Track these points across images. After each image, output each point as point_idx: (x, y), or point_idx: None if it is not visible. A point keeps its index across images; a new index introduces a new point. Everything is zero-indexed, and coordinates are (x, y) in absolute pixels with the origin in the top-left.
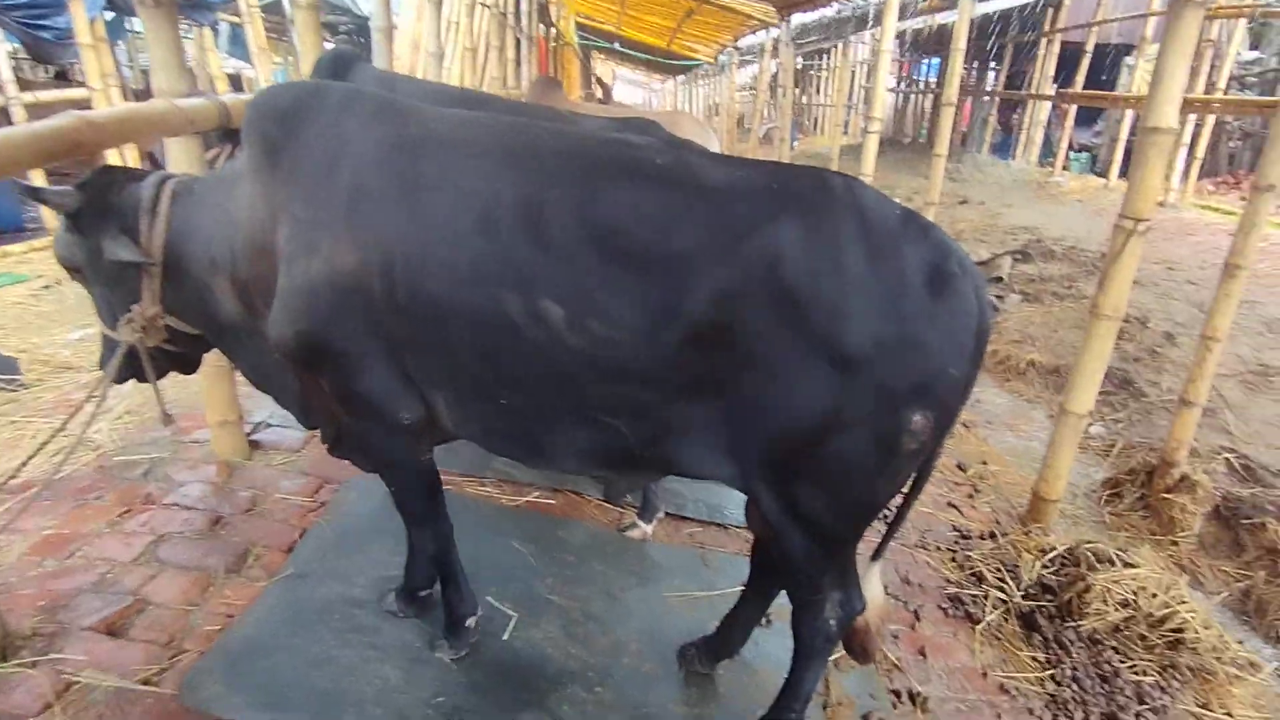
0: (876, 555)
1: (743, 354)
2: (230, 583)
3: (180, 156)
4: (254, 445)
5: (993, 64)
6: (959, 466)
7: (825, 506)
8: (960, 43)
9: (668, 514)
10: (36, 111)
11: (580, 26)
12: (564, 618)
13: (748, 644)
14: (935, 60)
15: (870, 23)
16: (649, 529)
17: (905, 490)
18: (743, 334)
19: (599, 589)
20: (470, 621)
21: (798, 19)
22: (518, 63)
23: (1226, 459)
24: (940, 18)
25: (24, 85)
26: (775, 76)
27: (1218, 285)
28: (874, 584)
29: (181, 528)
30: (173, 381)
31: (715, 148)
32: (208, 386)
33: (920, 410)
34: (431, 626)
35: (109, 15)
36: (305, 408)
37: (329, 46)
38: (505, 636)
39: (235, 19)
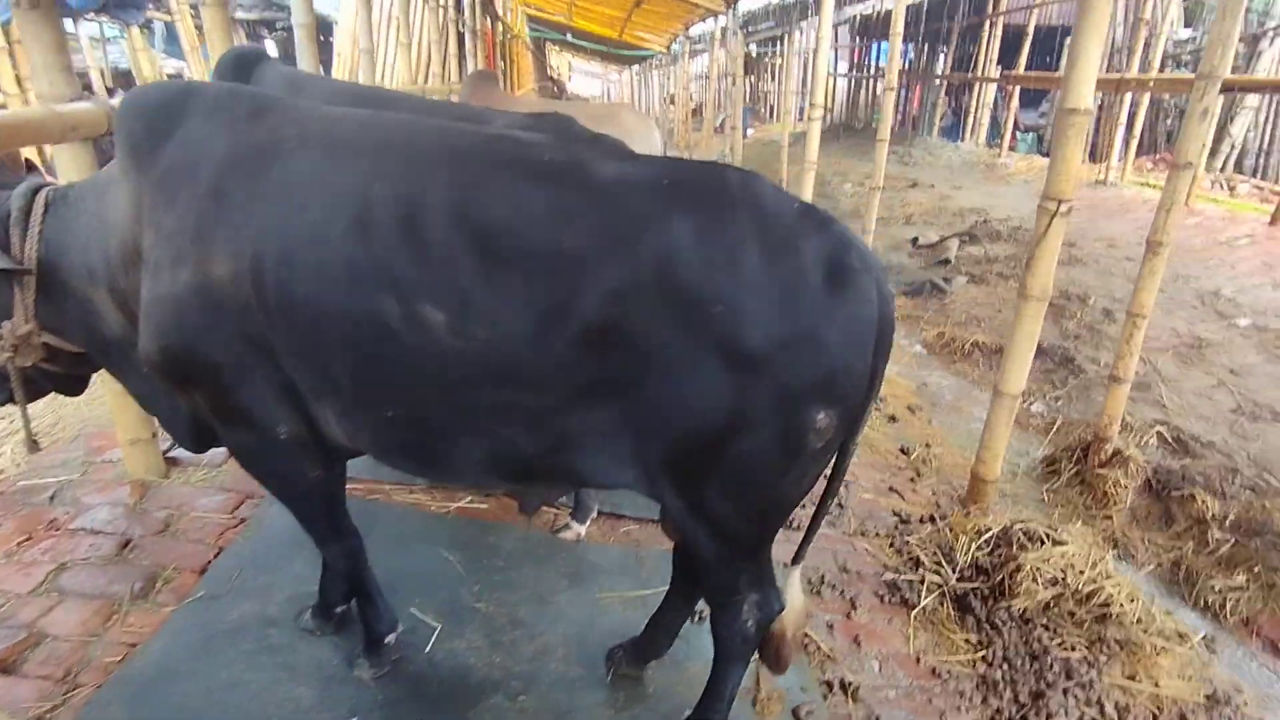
0: (796, 559)
1: (638, 356)
2: (136, 610)
3: (70, 164)
4: (171, 462)
5: (942, 47)
6: (902, 450)
7: (732, 509)
8: (898, 27)
9: (602, 513)
10: None
11: (532, 19)
12: (489, 626)
13: (678, 641)
14: (887, 44)
15: (812, 10)
16: (582, 529)
17: (823, 489)
18: (636, 335)
19: (528, 593)
20: (390, 638)
21: (745, 5)
22: (461, 57)
23: (1159, 432)
24: (888, 2)
25: None
26: (726, 65)
27: (1141, 263)
28: (794, 588)
29: (87, 554)
30: (87, 399)
31: (657, 141)
32: (118, 403)
33: (823, 408)
34: (350, 643)
35: None
36: (196, 432)
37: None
38: (427, 649)
39: (167, 17)
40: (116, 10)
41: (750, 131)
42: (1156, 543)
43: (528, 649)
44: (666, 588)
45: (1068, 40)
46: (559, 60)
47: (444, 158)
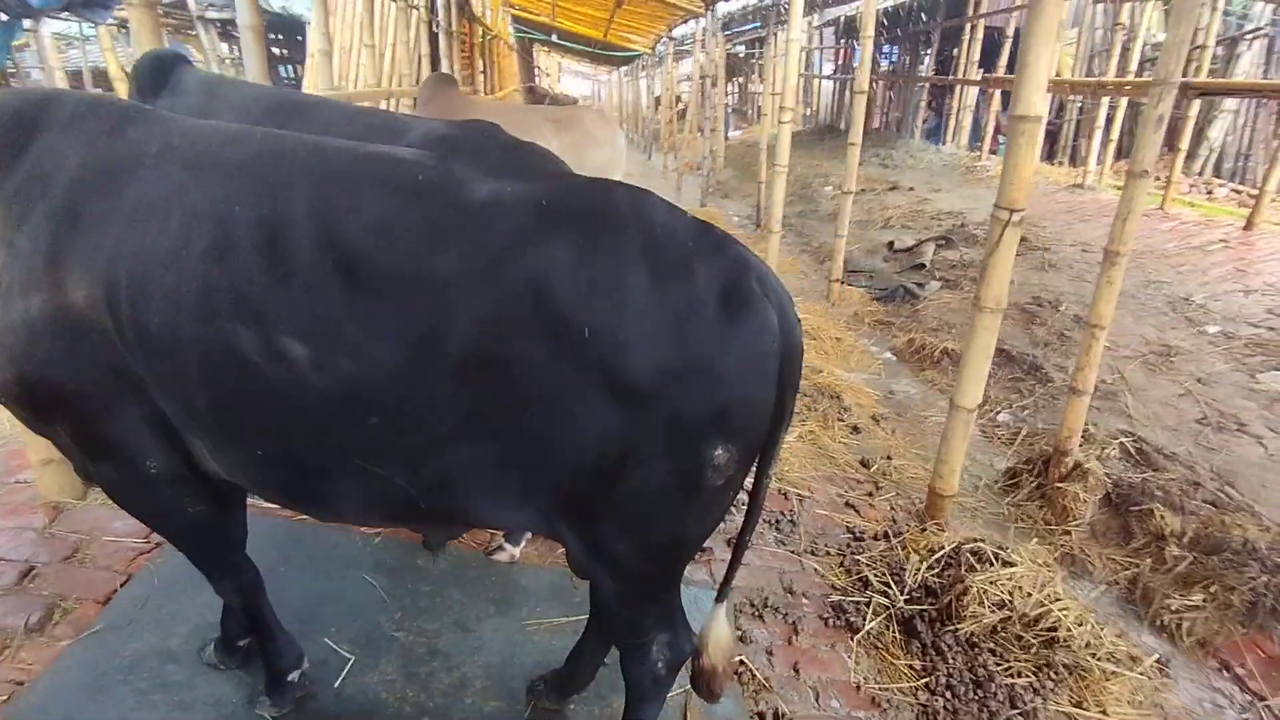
0: (720, 595)
1: (516, 389)
2: (30, 643)
3: None
4: (89, 482)
5: (924, 49)
6: (862, 463)
7: (630, 548)
8: (868, 30)
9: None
10: None
11: (516, 19)
12: (407, 656)
13: (605, 672)
14: (874, 46)
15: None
16: (516, 551)
17: (742, 521)
18: (513, 367)
19: (451, 621)
20: (293, 675)
21: (725, 8)
22: (434, 59)
23: (1122, 444)
24: (875, 3)
25: None
26: (707, 68)
27: (1100, 273)
28: (719, 624)
29: None
30: (5, 415)
31: (621, 143)
32: None
33: (721, 443)
34: (255, 678)
35: None
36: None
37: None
38: (337, 683)
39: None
40: (83, 10)
41: (737, 133)
42: (1114, 560)
43: (444, 681)
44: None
45: None
46: (548, 61)
47: (311, 176)
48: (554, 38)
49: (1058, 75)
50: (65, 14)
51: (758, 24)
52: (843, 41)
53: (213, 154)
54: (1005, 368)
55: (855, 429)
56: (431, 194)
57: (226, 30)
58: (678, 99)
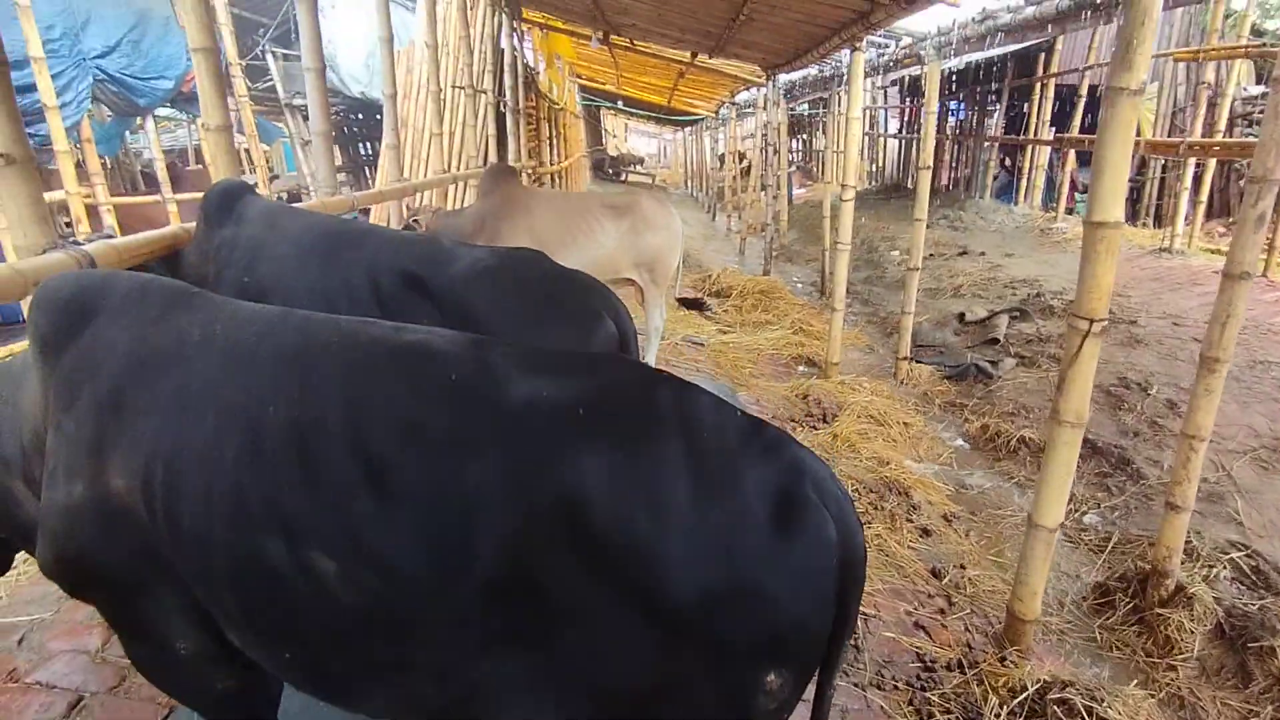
0: None
1: (549, 608)
2: None
3: None
4: None
5: (993, 107)
6: (933, 573)
7: None
8: (932, 105)
9: None
10: None
11: (583, 89)
12: None
13: None
14: (941, 103)
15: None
16: None
17: None
18: (545, 587)
19: None
20: None
21: (787, 77)
22: (500, 138)
23: (1232, 559)
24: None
25: None
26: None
27: (1195, 380)
28: None
29: (35, 716)
30: None
31: (678, 228)
32: None
33: (773, 668)
34: None
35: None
36: None
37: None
38: None
39: (232, 109)
40: (184, 105)
41: (802, 191)
42: (1230, 705)
43: None
44: None
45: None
46: (615, 123)
47: (344, 375)
48: (619, 104)
49: (1138, 134)
50: (170, 107)
51: (813, 89)
52: (909, 100)
53: (250, 345)
54: (1091, 460)
55: (925, 531)
56: (465, 396)
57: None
58: (741, 156)
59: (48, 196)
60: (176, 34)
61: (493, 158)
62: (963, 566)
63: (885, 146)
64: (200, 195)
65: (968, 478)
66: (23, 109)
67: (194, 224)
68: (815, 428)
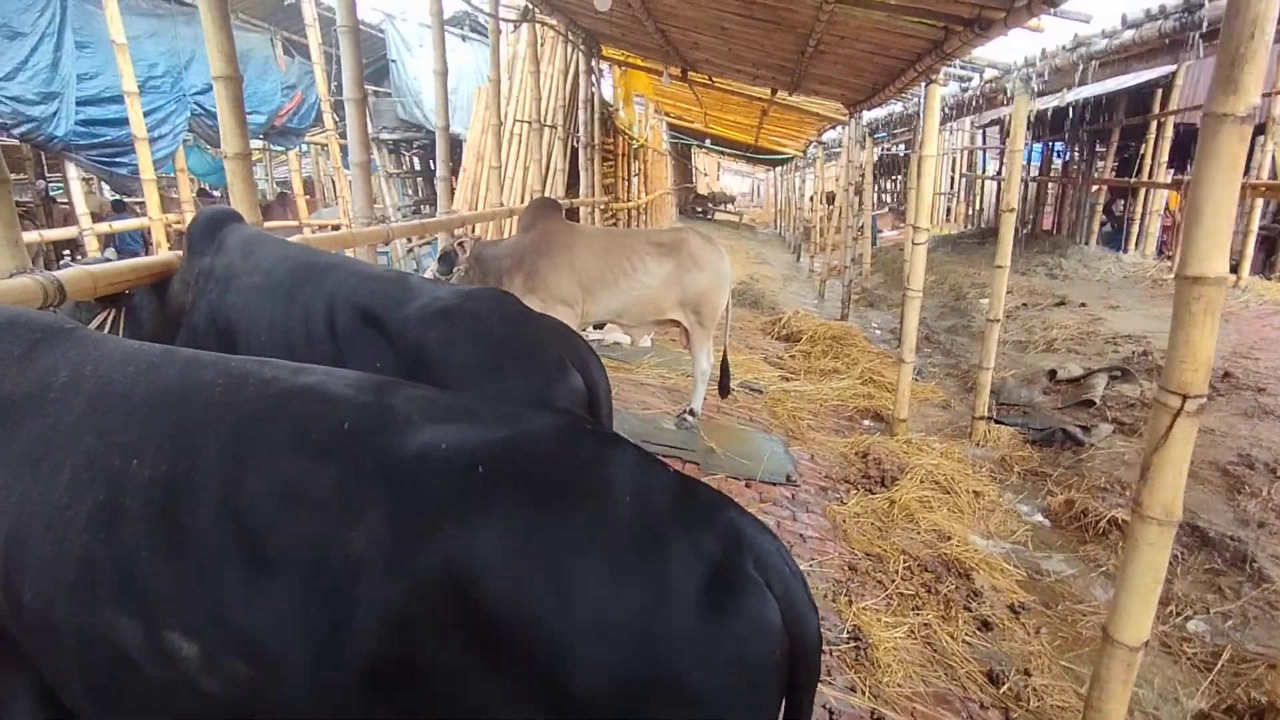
0: None
1: (435, 699)
2: None
3: None
4: None
5: (1101, 147)
6: (990, 677)
7: None
8: (1018, 143)
9: None
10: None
11: (671, 127)
12: None
13: None
14: (1041, 145)
15: (952, 113)
16: None
17: None
18: (431, 674)
19: None
20: None
21: (877, 113)
22: (572, 173)
23: None
24: (1040, 101)
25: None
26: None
27: None
28: None
29: None
30: None
31: (724, 270)
32: None
33: None
34: None
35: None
36: None
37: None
38: None
39: (320, 140)
40: (278, 138)
41: (892, 233)
42: None
43: None
44: None
45: (1255, 139)
46: (706, 161)
47: (223, 423)
48: (707, 143)
49: (1273, 177)
50: (263, 140)
51: (903, 128)
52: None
53: (122, 389)
54: (1199, 552)
55: (986, 624)
56: (353, 448)
57: (397, 148)
58: (830, 196)
59: (138, 221)
60: (274, 73)
61: (560, 193)
62: (1027, 672)
63: (984, 189)
64: (286, 223)
65: (1045, 561)
66: (118, 140)
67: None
68: (871, 491)
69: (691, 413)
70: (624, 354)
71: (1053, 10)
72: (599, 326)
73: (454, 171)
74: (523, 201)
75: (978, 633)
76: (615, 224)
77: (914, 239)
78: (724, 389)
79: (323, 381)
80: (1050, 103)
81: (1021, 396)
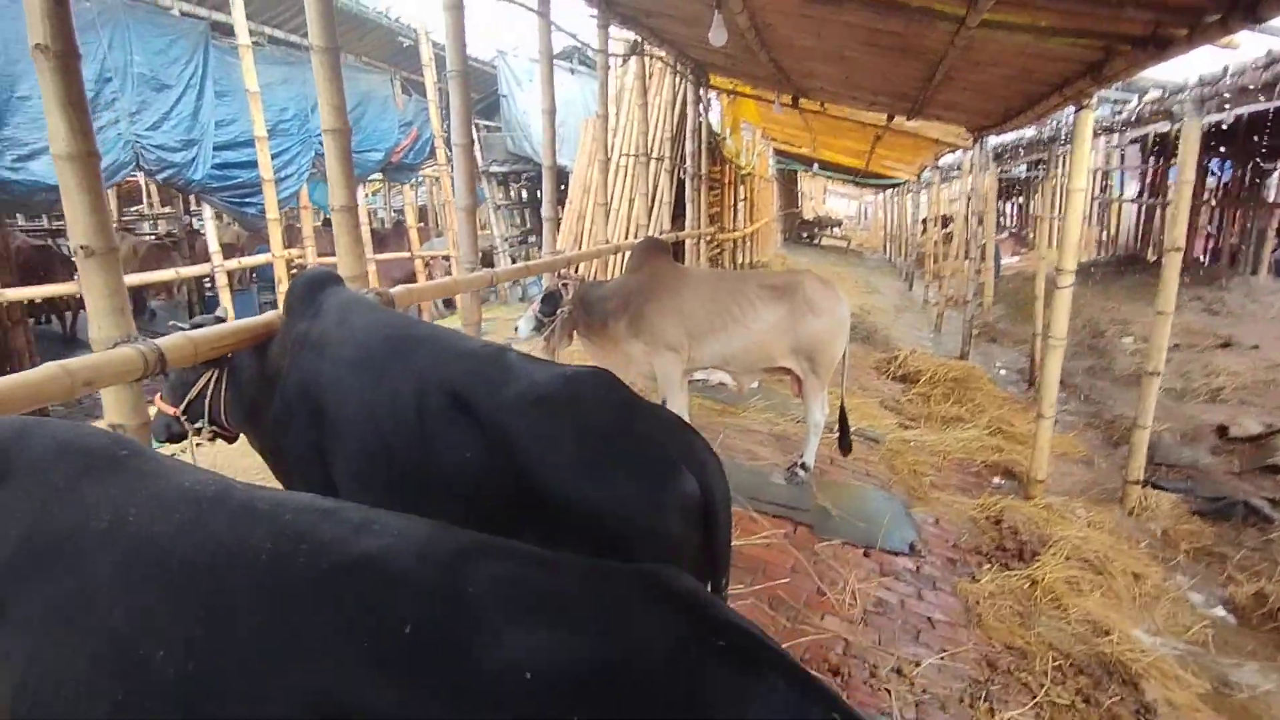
0: None
1: None
2: None
3: (113, 406)
4: None
5: (1270, 162)
6: None
7: None
8: (1188, 173)
9: None
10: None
11: (778, 152)
12: None
13: None
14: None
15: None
16: None
17: None
18: None
19: None
20: None
21: (997, 140)
22: (678, 204)
23: None
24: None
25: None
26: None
27: None
28: None
29: None
30: None
31: (842, 314)
32: None
33: None
34: None
35: None
36: None
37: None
38: None
39: (432, 174)
40: (394, 174)
41: (1013, 260)
42: None
43: None
44: None
45: None
46: (812, 185)
47: (262, 607)
48: (815, 167)
49: None
50: (380, 176)
51: (1030, 150)
52: (1154, 160)
53: (164, 544)
54: None
55: None
56: (416, 666)
57: (505, 180)
58: (945, 221)
59: (264, 257)
60: (392, 112)
61: (665, 226)
62: None
63: (1120, 213)
64: (398, 255)
65: (1234, 671)
66: (248, 181)
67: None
68: (1008, 566)
69: (804, 466)
70: (729, 396)
71: (1255, 26)
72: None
73: (560, 202)
74: (628, 236)
75: None
76: (721, 254)
77: (1059, 281)
78: (844, 445)
79: (387, 550)
80: (1216, 117)
81: (1184, 457)
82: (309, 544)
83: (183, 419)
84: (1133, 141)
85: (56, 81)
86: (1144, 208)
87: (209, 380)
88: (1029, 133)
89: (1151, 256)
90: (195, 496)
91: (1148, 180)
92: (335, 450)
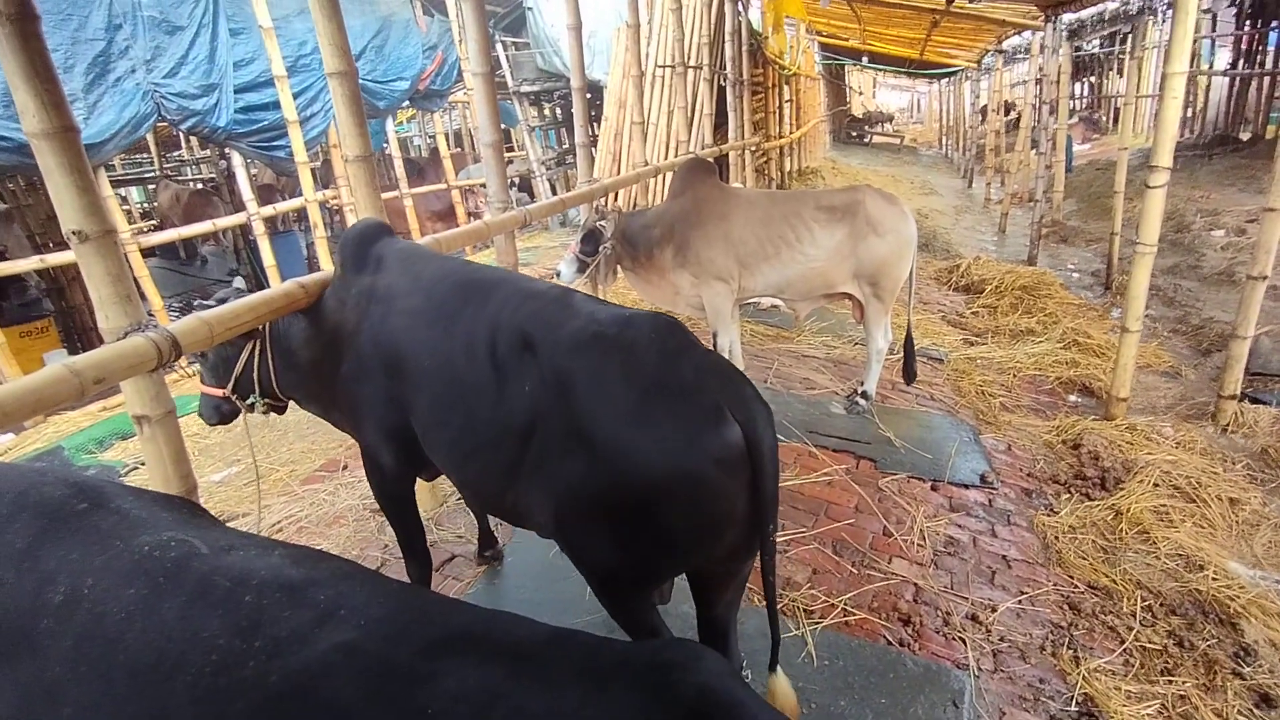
0: None
1: None
2: None
3: (134, 397)
4: None
5: None
6: None
7: None
8: None
9: None
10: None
11: (824, 47)
12: None
13: None
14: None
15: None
16: None
17: None
18: None
19: None
20: None
21: (1072, 16)
22: (719, 115)
23: None
24: None
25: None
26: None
27: None
28: None
29: None
30: None
31: (908, 233)
32: None
33: None
34: None
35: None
36: None
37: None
38: None
39: (463, 99)
40: (421, 102)
41: (1085, 146)
42: None
43: None
44: None
45: None
46: (861, 78)
47: (188, 704)
48: (864, 61)
49: None
50: (407, 105)
51: (1108, 25)
52: (1250, 24)
53: (111, 633)
54: None
55: (1267, 699)
56: None
57: (538, 99)
58: (1008, 108)
59: (293, 203)
60: (415, 35)
61: (707, 139)
62: None
63: (1209, 87)
64: (437, 187)
65: None
66: (274, 124)
67: (311, 280)
68: (1089, 496)
69: (865, 395)
70: (782, 320)
71: None
72: None
73: (595, 120)
74: (669, 154)
75: (1255, 711)
76: (767, 162)
77: (1150, 180)
78: (909, 373)
79: (346, 655)
80: None
81: None
82: (263, 641)
83: (233, 397)
84: (1229, 4)
85: (17, 51)
86: (1237, 81)
87: (252, 350)
88: (1112, 4)
89: (1245, 135)
90: (151, 569)
91: (1242, 48)
92: (414, 401)
